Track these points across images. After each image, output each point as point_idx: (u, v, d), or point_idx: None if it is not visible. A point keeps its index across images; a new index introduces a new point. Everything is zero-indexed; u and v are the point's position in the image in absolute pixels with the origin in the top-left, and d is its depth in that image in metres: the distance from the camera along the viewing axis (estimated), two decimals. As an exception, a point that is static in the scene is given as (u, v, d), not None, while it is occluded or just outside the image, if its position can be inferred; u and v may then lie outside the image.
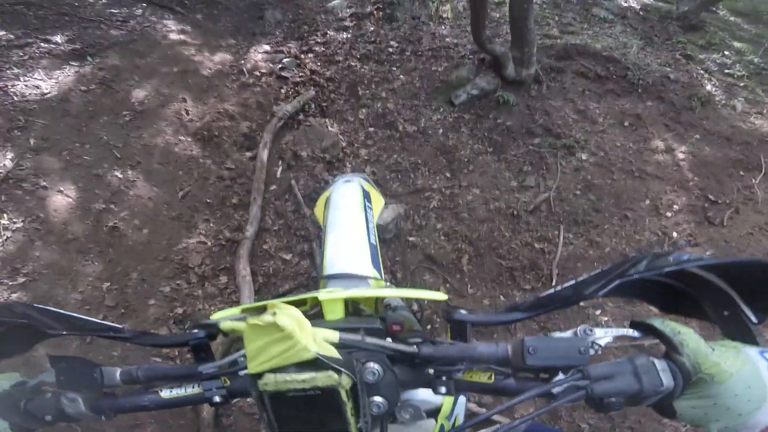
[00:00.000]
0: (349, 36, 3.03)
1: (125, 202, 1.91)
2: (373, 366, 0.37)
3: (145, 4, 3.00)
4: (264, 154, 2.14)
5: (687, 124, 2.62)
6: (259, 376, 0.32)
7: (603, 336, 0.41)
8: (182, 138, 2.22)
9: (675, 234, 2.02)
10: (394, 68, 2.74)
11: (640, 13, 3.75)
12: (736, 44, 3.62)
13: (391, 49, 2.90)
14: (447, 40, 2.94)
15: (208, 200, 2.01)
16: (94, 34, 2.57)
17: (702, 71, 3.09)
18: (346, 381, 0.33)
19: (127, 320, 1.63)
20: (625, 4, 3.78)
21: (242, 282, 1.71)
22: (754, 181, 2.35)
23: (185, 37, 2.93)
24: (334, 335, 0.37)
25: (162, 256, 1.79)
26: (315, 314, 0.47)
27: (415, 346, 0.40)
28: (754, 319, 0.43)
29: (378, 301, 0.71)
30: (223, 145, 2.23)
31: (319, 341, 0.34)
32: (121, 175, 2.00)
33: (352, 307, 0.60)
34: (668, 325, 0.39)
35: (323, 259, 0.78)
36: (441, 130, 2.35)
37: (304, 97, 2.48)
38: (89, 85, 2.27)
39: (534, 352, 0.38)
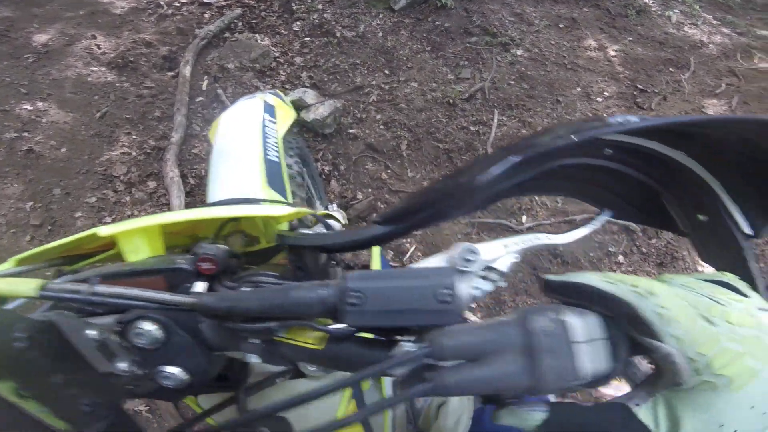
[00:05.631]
0: (282, -45, 3.07)
1: (39, 129, 1.94)
2: (142, 326, 0.28)
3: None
4: (186, 71, 2.17)
5: (621, 28, 2.88)
6: None
7: (501, 254, 0.28)
8: (95, 69, 2.22)
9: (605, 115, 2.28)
10: (332, -18, 2.82)
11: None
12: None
13: (327, -35, 2.97)
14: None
15: (128, 116, 2.04)
16: (-28, -6, 2.47)
17: (639, -17, 3.38)
18: None
19: (55, 236, 1.67)
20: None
21: (171, 183, 1.76)
22: (682, 76, 2.64)
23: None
24: (31, 286, 0.28)
25: (84, 170, 1.83)
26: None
27: (193, 296, 0.29)
28: (747, 229, 0.28)
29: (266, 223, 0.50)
30: (140, 69, 2.24)
31: None
32: (30, 107, 2.01)
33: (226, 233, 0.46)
34: (618, 282, 0.23)
35: (207, 184, 0.72)
36: (380, 34, 2.47)
37: (229, 16, 2.51)
38: (-22, 38, 2.21)
39: (362, 300, 0.25)
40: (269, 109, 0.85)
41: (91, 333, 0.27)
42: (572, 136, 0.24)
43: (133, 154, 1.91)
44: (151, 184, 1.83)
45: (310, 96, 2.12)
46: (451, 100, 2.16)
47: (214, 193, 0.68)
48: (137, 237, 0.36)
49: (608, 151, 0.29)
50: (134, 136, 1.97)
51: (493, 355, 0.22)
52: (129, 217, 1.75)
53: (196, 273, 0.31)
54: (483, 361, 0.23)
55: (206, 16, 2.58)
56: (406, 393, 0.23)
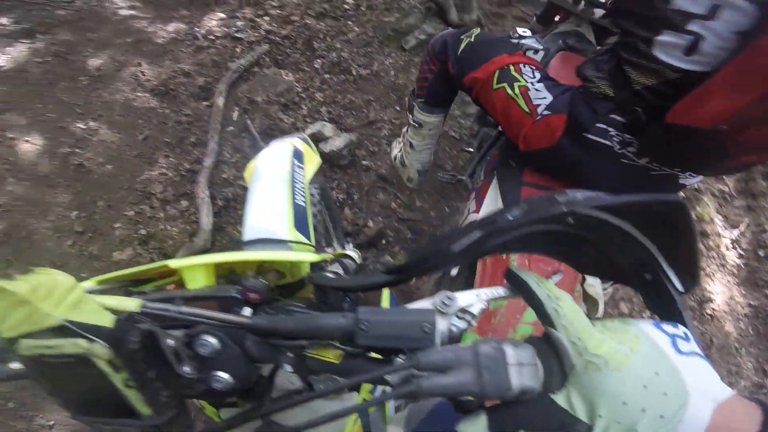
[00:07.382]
0: (304, -3, 3.37)
1: (90, 146, 2.18)
2: (206, 339, 0.36)
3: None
4: (220, 101, 2.40)
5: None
6: (16, 340, 0.31)
7: (473, 301, 0.36)
8: (140, 94, 2.47)
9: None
10: (350, 22, 3.09)
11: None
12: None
13: (346, 5, 3.25)
14: (398, -7, 3.34)
15: (167, 140, 2.27)
16: (40, 15, 2.76)
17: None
18: (99, 350, 0.32)
19: (95, 243, 1.90)
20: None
21: (201, 203, 1.98)
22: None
23: (136, 12, 3.21)
24: (134, 303, 0.36)
25: (126, 186, 2.06)
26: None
27: (249, 318, 0.37)
28: (679, 286, 0.36)
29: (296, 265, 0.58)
30: (179, 97, 2.47)
31: (86, 308, 0.32)
32: (84, 126, 2.26)
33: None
34: (543, 286, 0.32)
35: (243, 224, 0.79)
36: (392, 72, 2.70)
37: (258, 51, 2.78)
38: (44, 57, 2.51)
39: (367, 328, 0.35)
40: (297, 155, 0.93)
41: (170, 342, 0.35)
42: (526, 214, 0.30)
43: (170, 174, 2.12)
44: (184, 203, 2.04)
45: (328, 129, 2.34)
46: (456, 135, 2.35)
47: (249, 232, 0.76)
48: (197, 270, 0.45)
49: (570, 221, 0.34)
50: (171, 159, 2.19)
51: (455, 369, 0.31)
52: (162, 230, 1.96)
53: (244, 301, 0.41)
54: (448, 373, 0.31)
55: (237, 50, 2.84)
56: (393, 392, 0.31)
